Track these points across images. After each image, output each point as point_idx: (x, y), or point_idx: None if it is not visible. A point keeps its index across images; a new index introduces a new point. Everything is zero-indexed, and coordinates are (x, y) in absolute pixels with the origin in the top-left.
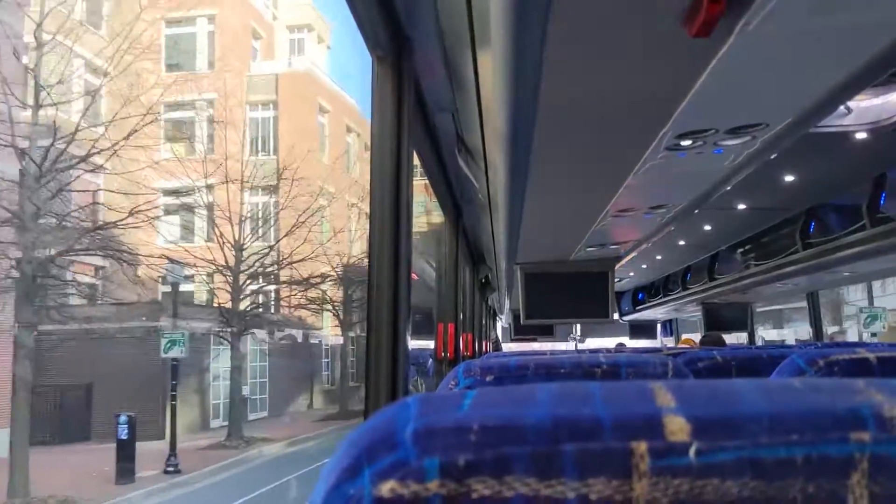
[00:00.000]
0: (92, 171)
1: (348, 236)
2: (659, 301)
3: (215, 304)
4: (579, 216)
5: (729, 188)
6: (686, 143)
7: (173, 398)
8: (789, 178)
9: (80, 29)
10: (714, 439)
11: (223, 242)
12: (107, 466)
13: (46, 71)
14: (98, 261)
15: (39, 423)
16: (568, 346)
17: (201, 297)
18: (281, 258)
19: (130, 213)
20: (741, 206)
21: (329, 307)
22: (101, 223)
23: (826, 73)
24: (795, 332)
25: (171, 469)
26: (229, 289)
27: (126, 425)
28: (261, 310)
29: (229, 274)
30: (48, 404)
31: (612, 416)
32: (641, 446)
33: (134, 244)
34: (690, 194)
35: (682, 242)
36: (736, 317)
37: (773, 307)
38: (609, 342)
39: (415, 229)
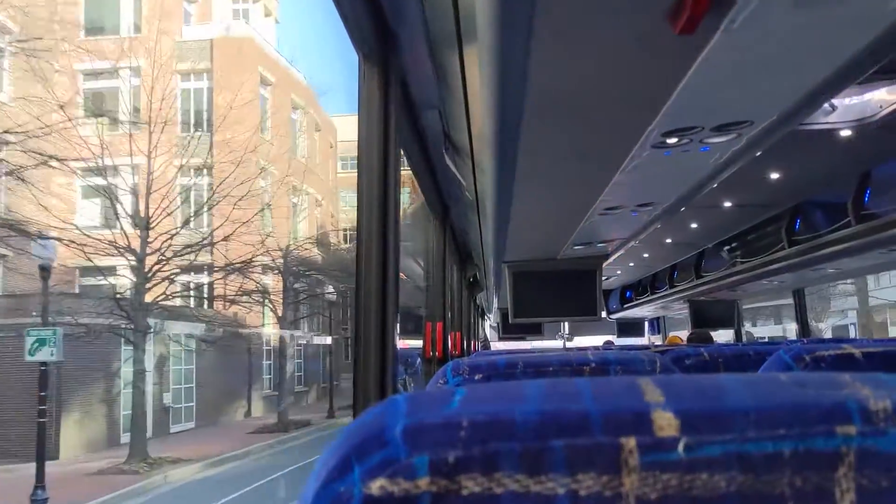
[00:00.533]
0: None
1: (292, 224)
2: (646, 299)
3: (115, 296)
4: (567, 214)
5: (715, 186)
6: (672, 140)
7: (42, 413)
8: (775, 176)
9: None
10: (702, 434)
11: (129, 219)
12: None
13: None
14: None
15: None
16: (556, 344)
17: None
18: (204, 241)
19: None
20: (727, 204)
21: (266, 300)
22: None
23: (811, 70)
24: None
25: None
26: (133, 276)
27: None
28: (180, 302)
29: (132, 258)
30: None
31: (601, 412)
32: (630, 442)
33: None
34: (677, 192)
35: (668, 240)
36: (723, 314)
37: (774, 303)
38: (597, 340)
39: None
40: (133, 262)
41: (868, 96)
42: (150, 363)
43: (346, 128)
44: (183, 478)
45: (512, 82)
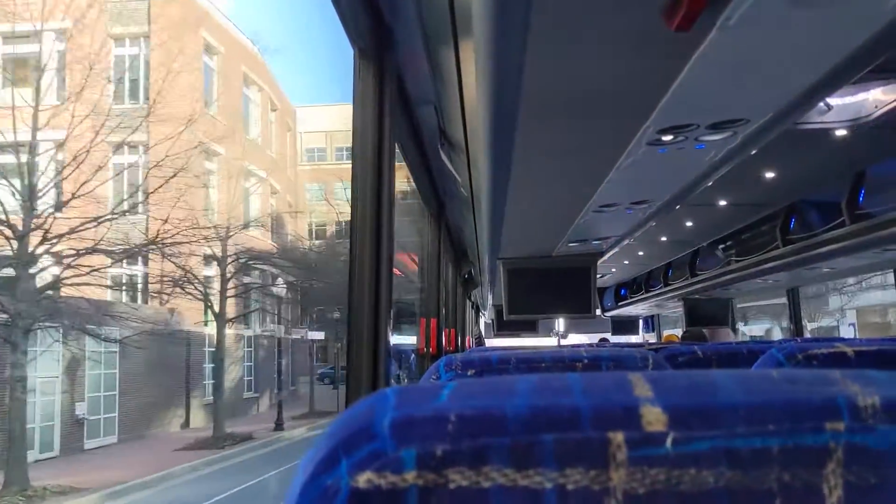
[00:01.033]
0: None
1: (243, 211)
2: (641, 297)
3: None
4: (562, 211)
5: (710, 184)
6: (668, 137)
7: None
8: (770, 175)
9: None
10: (691, 429)
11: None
12: None
13: None
14: None
15: None
16: (551, 342)
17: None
18: (115, 212)
19: None
20: (722, 202)
21: (198, 291)
22: None
23: (806, 69)
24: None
25: None
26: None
27: None
28: (110, 297)
29: (11, 236)
30: None
31: (590, 407)
32: (619, 436)
33: None
34: (672, 190)
35: (663, 238)
36: (717, 312)
37: (775, 301)
38: (592, 338)
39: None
40: (12, 242)
41: (863, 96)
42: (55, 367)
43: (315, 118)
44: None
45: (508, 78)
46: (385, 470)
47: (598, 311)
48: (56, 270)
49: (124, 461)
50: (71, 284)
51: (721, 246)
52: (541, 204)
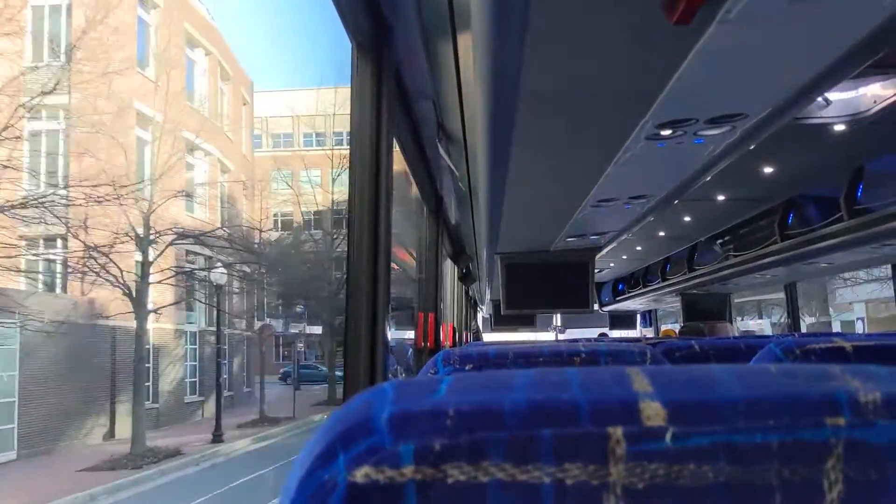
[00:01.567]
0: None
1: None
2: (639, 292)
3: None
4: (560, 205)
5: (709, 179)
6: (666, 132)
7: None
8: (768, 170)
9: None
10: (690, 424)
11: None
12: None
13: None
14: None
15: None
16: (549, 336)
17: None
18: None
19: None
20: (721, 197)
21: (108, 275)
22: None
23: (805, 63)
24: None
25: None
26: None
27: None
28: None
29: None
30: None
31: (589, 402)
32: (618, 431)
33: None
34: (670, 184)
35: (662, 233)
36: (715, 307)
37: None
38: (589, 333)
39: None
40: None
41: (862, 91)
42: None
43: (278, 103)
44: None
45: (506, 73)
46: (383, 464)
47: (596, 306)
48: None
49: (13, 485)
50: None
51: (719, 241)
52: (539, 198)
